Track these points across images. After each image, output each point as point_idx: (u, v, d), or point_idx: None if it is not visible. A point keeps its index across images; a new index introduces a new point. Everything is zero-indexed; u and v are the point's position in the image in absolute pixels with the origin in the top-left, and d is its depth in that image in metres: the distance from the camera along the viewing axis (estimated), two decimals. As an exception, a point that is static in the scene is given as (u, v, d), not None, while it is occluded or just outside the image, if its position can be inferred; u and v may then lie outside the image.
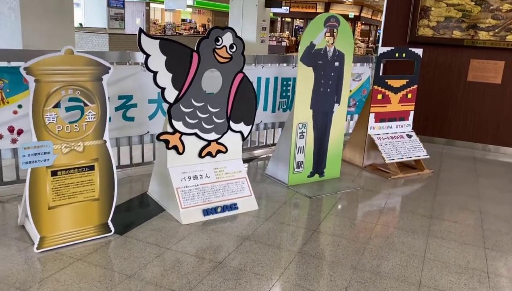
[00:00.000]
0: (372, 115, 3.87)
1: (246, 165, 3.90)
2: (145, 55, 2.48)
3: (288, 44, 27.76)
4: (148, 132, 3.39)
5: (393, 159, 3.78)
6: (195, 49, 2.66)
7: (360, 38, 26.41)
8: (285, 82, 4.08)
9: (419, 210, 3.06)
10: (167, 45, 2.55)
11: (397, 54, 3.85)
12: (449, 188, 3.55)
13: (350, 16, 24.52)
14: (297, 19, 31.21)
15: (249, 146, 4.15)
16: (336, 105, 3.46)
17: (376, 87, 3.84)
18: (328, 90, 3.38)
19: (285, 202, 3.08)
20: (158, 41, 2.53)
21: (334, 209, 3.01)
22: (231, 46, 2.77)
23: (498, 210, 3.14)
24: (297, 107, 3.26)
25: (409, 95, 4.03)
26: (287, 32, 29.91)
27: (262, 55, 4.06)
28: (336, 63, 3.36)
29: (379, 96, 3.87)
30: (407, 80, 3.98)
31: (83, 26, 12.90)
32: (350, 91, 4.86)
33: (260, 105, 4.00)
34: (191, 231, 2.52)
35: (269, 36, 28.17)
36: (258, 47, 19.38)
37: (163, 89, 2.58)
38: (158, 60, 2.53)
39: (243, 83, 2.87)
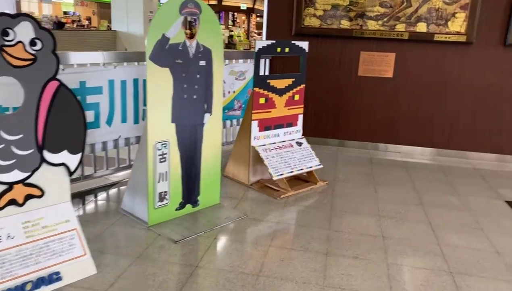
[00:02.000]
0: (255, 124, 3.19)
1: (92, 199, 2.99)
2: None
3: (182, 38, 26.67)
4: None
5: (281, 174, 3.15)
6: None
7: (256, 31, 26.19)
8: (146, 86, 3.23)
9: (312, 244, 2.44)
10: None
11: (278, 49, 3.21)
12: (346, 206, 3.01)
13: (242, 8, 24.03)
14: (191, 11, 30.29)
15: (106, 168, 3.23)
16: (207, 115, 2.71)
17: (257, 90, 3.16)
18: (194, 96, 2.61)
19: (140, 254, 2.26)
20: None
21: (206, 258, 2.27)
22: (32, 43, 1.86)
23: (401, 232, 2.65)
24: (152, 122, 2.44)
25: (296, 97, 3.43)
26: (181, 25, 28.82)
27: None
28: (202, 62, 2.60)
29: (262, 100, 3.20)
30: (293, 79, 3.37)
31: None
32: (234, 92, 4.17)
33: (117, 116, 3.11)
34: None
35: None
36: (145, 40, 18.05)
37: None
38: None
39: (59, 95, 1.98)
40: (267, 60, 4.50)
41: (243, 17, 25.68)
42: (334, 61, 4.45)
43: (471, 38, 4.10)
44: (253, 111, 3.16)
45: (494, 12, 4.03)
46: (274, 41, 3.16)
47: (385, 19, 4.23)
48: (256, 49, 3.07)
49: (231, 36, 26.58)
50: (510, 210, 3.09)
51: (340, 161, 4.08)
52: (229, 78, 4.12)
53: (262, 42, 3.08)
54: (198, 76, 2.59)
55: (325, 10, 4.33)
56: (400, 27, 4.22)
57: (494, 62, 4.14)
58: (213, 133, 2.78)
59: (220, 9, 29.13)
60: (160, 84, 2.42)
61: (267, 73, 4.53)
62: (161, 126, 2.48)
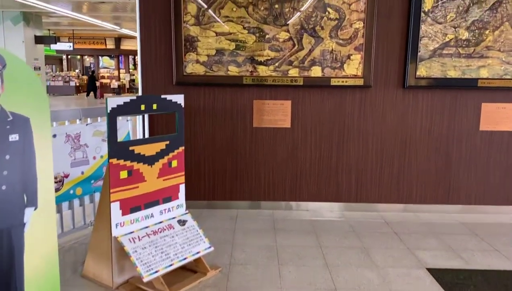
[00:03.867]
0: (115, 206, 2.40)
1: None
2: None
3: (78, 84, 24.94)
4: None
5: (156, 271, 2.37)
6: None
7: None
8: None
9: None
10: None
11: (142, 107, 2.50)
12: (242, 306, 2.31)
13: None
14: (87, 56, 28.51)
15: None
16: (29, 210, 1.87)
17: (115, 161, 2.39)
18: (3, 187, 1.77)
19: None
20: None
21: None
22: None
23: None
24: None
25: (174, 163, 2.72)
26: (77, 71, 26.97)
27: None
28: (13, 137, 1.78)
29: (124, 174, 2.44)
30: (167, 142, 2.66)
31: None
32: (102, 157, 3.36)
33: None
34: None
35: (53, 76, 24.82)
36: (32, 91, 16.34)
37: None
38: None
39: None
40: (146, 117, 3.77)
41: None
42: (226, 112, 3.85)
43: (368, 81, 3.76)
44: (111, 191, 2.38)
45: (390, 53, 3.75)
46: (134, 97, 2.44)
47: (277, 64, 3.75)
48: (108, 109, 2.32)
49: (132, 80, 25.52)
50: (433, 281, 2.61)
51: (238, 232, 3.40)
52: (94, 140, 3.31)
53: (116, 99, 2.34)
54: (7, 157, 1.77)
55: (209, 56, 3.74)
56: (294, 72, 3.77)
57: (395, 105, 3.83)
58: (43, 233, 1.94)
59: (119, 53, 28.05)
60: None
61: (146, 135, 3.78)
62: None
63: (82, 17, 18.22)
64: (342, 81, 3.78)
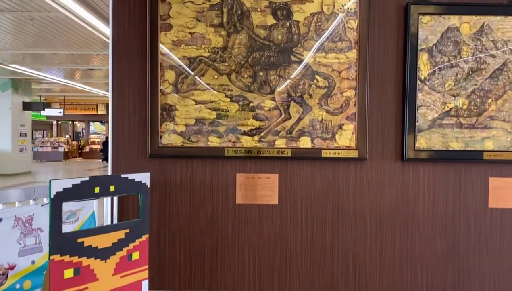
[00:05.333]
0: (54, 316, 1.91)
1: None
2: None
3: (67, 150, 24.61)
4: None
5: None
6: None
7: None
8: None
9: None
10: None
11: (96, 189, 2.08)
12: None
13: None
14: (78, 122, 28.42)
15: None
16: None
17: (57, 258, 1.93)
18: None
19: None
20: None
21: None
22: None
23: None
24: None
25: (135, 256, 2.26)
26: (67, 137, 26.74)
27: None
28: None
29: (69, 274, 1.97)
30: (127, 230, 2.22)
31: None
32: (59, 241, 2.87)
33: None
34: None
35: (42, 142, 24.56)
36: (16, 157, 15.96)
37: None
38: None
39: None
40: (115, 198, 3.34)
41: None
42: (205, 187, 3.44)
43: (363, 153, 3.41)
44: (50, 296, 1.90)
45: (386, 123, 3.44)
46: (86, 179, 2.03)
47: (262, 134, 3.41)
48: (52, 193, 1.90)
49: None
50: None
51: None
52: (50, 223, 2.84)
53: (62, 182, 1.93)
54: None
55: (187, 125, 3.40)
56: (281, 143, 3.42)
57: (394, 180, 3.46)
58: None
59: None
60: None
61: (115, 216, 3.33)
62: None
63: (73, 84, 18.29)
64: (334, 153, 3.42)
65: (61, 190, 1.91)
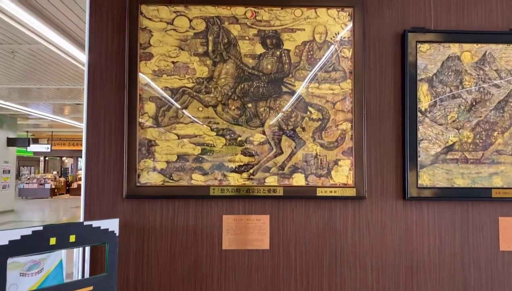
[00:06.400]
0: None
1: None
2: None
3: (54, 186, 23.99)
4: None
5: None
6: None
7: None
8: None
9: None
10: None
11: (52, 241, 1.75)
12: None
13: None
14: (66, 157, 27.91)
15: None
16: None
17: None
18: None
19: None
20: None
21: None
22: None
23: None
24: None
25: (99, 319, 1.89)
26: (54, 173, 26.15)
27: None
28: None
29: None
30: (91, 287, 1.87)
31: None
32: (18, 297, 2.51)
33: None
34: None
35: (28, 179, 23.93)
36: (-2, 195, 15.40)
37: None
38: None
39: None
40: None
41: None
42: (188, 231, 3.10)
43: (361, 191, 3.11)
44: None
45: (386, 159, 3.17)
46: (39, 228, 1.70)
47: (251, 171, 3.11)
48: (-7, 248, 1.56)
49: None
50: None
51: None
52: (8, 276, 2.47)
53: (8, 233, 1.60)
54: None
55: (169, 162, 3.09)
56: (272, 180, 3.11)
57: (396, 221, 3.15)
58: None
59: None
60: None
61: (86, 274, 2.95)
62: None
63: (61, 119, 18.00)
64: (330, 192, 3.12)
65: (6, 243, 1.57)
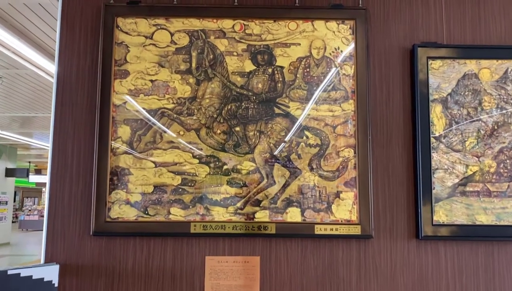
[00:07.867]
0: None
1: None
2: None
3: (55, 218, 23.41)
4: None
5: None
6: None
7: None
8: None
9: None
10: None
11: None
12: None
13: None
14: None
15: None
16: None
17: None
18: None
19: None
20: None
21: None
22: None
23: None
24: None
25: None
26: (56, 204, 25.75)
27: None
28: None
29: None
30: None
31: None
32: None
33: None
34: None
35: (29, 210, 23.55)
36: (-6, 227, 15.01)
37: None
38: None
39: None
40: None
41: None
42: (165, 275, 2.66)
43: (368, 229, 2.66)
44: None
45: (395, 191, 2.74)
46: None
47: (239, 205, 2.69)
48: None
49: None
50: None
51: None
52: None
53: None
54: None
55: (144, 194, 2.69)
56: (263, 215, 2.69)
57: (408, 264, 2.68)
58: None
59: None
60: None
61: None
62: None
63: (63, 150, 17.69)
64: (331, 229, 2.68)
65: None
